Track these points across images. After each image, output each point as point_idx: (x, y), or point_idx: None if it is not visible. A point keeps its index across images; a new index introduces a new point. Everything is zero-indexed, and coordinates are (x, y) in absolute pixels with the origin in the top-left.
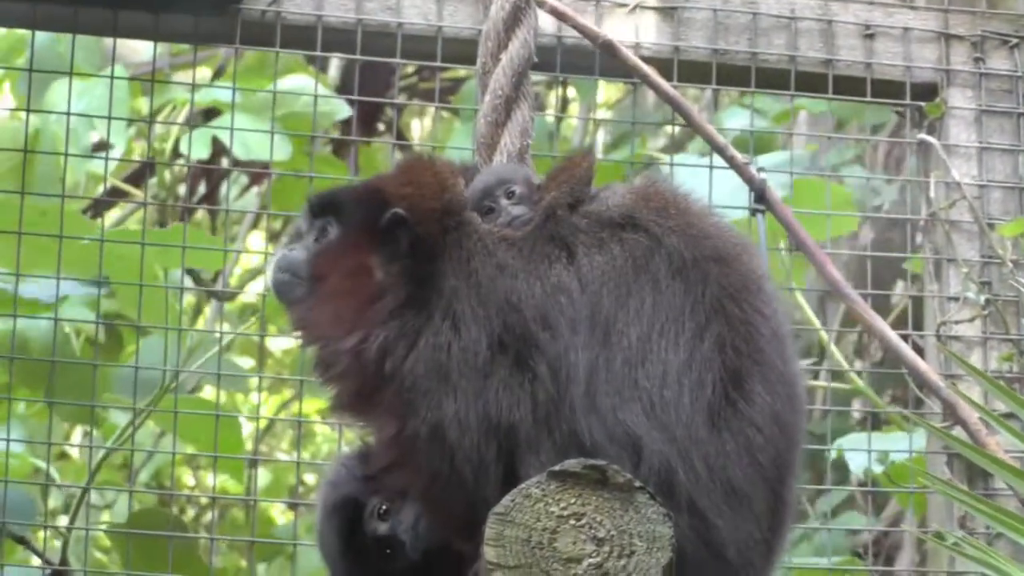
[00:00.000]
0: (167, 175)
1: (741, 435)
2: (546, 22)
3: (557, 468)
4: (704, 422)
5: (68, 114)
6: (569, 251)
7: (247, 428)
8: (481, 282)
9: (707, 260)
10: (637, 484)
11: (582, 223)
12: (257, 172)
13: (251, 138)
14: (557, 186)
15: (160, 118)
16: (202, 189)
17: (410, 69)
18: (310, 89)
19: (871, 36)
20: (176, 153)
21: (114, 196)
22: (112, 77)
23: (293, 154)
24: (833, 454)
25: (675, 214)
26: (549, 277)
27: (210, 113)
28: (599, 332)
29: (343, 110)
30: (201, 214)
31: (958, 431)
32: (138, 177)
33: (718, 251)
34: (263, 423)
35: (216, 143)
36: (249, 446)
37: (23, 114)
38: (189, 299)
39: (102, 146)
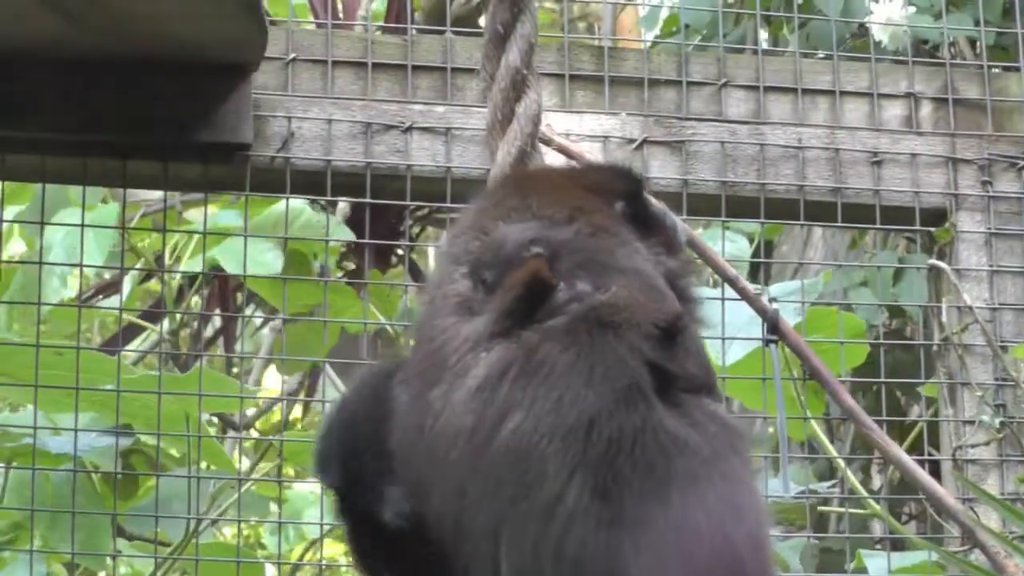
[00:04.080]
0: (178, 313)
1: None
2: (554, 160)
3: None
4: None
5: (81, 265)
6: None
7: (271, 571)
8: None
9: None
10: None
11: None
12: (268, 317)
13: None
14: (493, 308)
15: (168, 253)
16: (217, 317)
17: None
18: (311, 215)
19: (879, 163)
20: (182, 290)
21: (129, 332)
22: (123, 228)
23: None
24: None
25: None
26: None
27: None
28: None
29: (345, 232)
30: (218, 347)
31: (977, 554)
32: (152, 313)
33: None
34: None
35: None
36: None
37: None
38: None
39: (109, 286)
